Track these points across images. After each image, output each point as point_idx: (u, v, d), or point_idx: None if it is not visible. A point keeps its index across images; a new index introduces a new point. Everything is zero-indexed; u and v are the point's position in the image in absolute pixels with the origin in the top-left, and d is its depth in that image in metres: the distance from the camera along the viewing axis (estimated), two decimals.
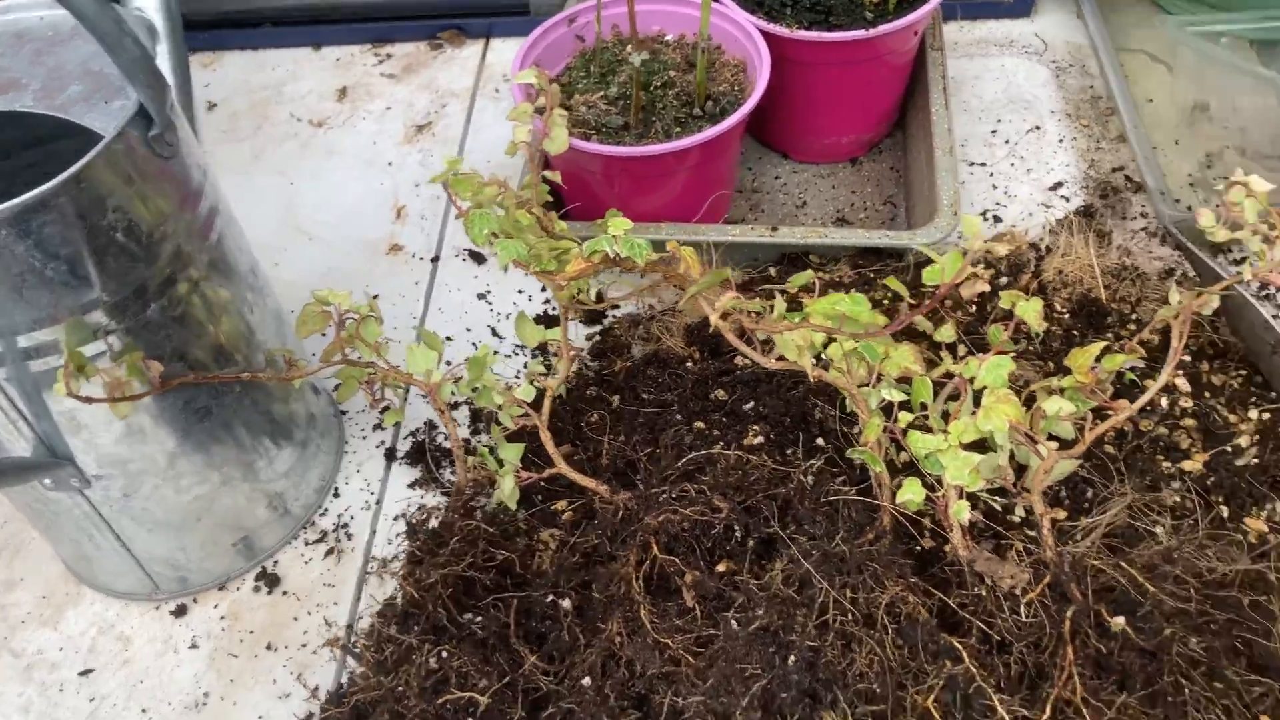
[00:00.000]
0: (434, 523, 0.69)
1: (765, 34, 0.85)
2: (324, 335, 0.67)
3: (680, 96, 0.84)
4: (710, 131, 0.78)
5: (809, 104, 0.91)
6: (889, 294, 0.82)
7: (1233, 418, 0.71)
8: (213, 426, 0.68)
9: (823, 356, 0.64)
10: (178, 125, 0.59)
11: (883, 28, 0.83)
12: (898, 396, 0.63)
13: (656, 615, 0.61)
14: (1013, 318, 0.62)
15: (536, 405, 0.70)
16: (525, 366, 0.83)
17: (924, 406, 0.65)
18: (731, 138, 0.82)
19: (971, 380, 0.60)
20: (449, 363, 0.84)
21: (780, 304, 0.63)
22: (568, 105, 0.84)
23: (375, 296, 0.89)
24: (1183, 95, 0.94)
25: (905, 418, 0.62)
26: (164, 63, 0.77)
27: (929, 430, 0.61)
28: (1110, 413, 0.65)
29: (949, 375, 0.65)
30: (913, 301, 0.72)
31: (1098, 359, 0.68)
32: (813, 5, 0.86)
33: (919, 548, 0.66)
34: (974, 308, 0.81)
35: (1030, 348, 0.78)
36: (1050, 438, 0.68)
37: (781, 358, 0.64)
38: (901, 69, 0.93)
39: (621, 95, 0.84)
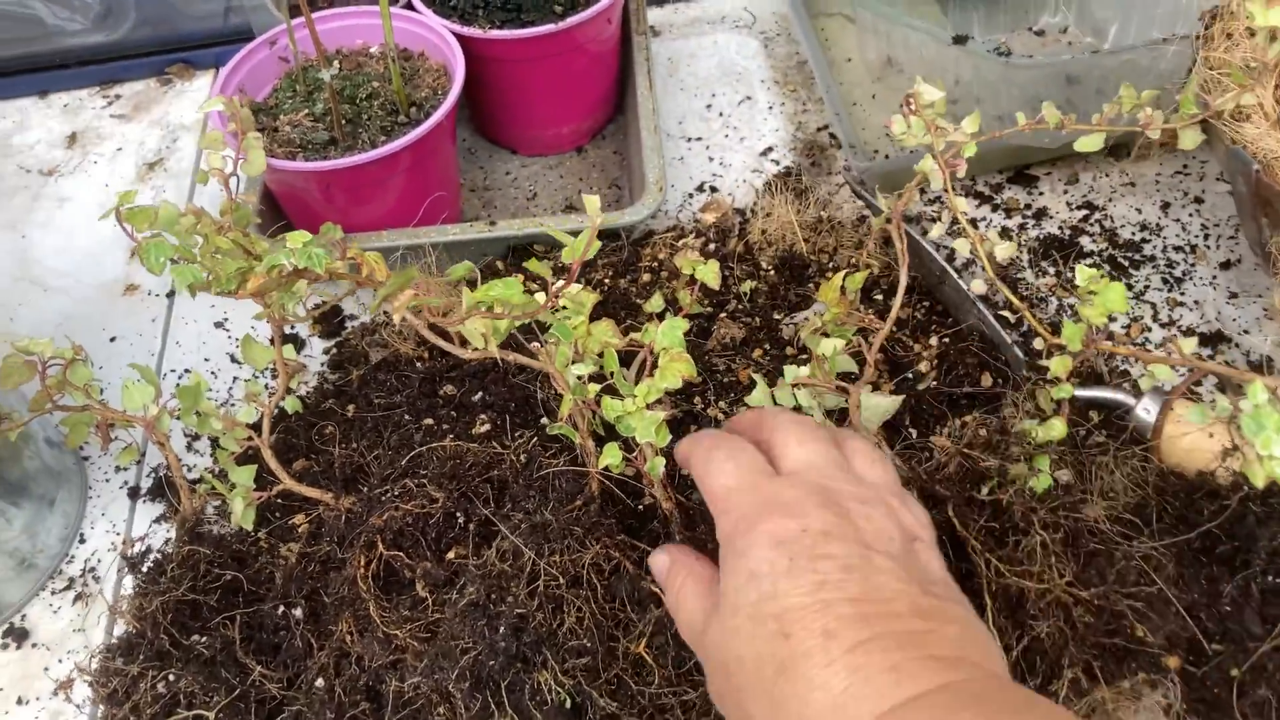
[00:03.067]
0: (156, 554, 0.69)
1: (462, 37, 0.87)
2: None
3: (385, 106, 0.86)
4: (411, 136, 0.80)
5: (521, 99, 0.94)
6: (608, 274, 0.86)
7: (916, 346, 0.77)
8: None
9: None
10: None
11: (571, 20, 0.87)
12: (589, 369, 0.67)
13: (387, 609, 0.63)
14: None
15: (259, 425, 0.71)
16: (266, 388, 0.84)
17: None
18: (437, 139, 0.84)
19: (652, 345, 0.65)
20: None
21: (468, 296, 0.66)
22: (275, 127, 0.85)
23: (113, 339, 0.90)
24: (872, 51, 1.00)
25: (594, 388, 0.65)
26: None
27: (619, 396, 0.65)
28: (875, 329, 0.69)
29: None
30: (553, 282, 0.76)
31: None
32: (504, 4, 0.89)
33: (639, 507, 0.70)
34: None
35: (740, 306, 0.82)
36: (841, 376, 0.72)
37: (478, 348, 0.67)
38: (605, 56, 0.96)
39: (327, 111, 0.85)
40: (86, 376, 0.70)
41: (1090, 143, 0.71)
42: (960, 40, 0.85)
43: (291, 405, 0.81)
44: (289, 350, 0.81)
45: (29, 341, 0.68)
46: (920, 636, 0.43)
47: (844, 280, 0.69)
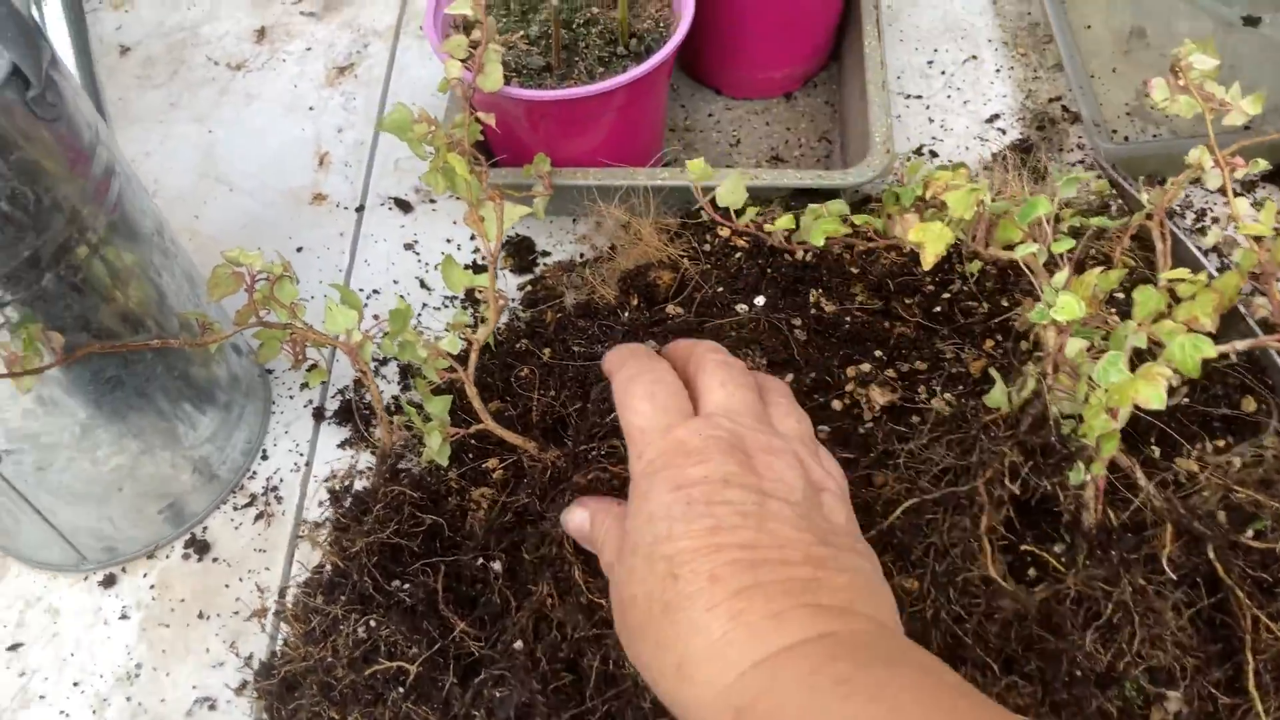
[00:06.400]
0: (359, 486, 0.67)
1: None
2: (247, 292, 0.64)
3: (604, 34, 0.81)
4: (634, 72, 0.75)
5: (740, 37, 0.89)
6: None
7: None
8: (126, 395, 0.65)
9: None
10: (60, 83, 0.56)
11: None
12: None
13: (589, 575, 0.60)
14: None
15: (462, 358, 0.68)
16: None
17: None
18: (658, 77, 0.79)
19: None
20: (376, 317, 0.82)
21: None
22: None
23: (300, 249, 0.87)
24: (1119, 21, 0.92)
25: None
26: (55, 11, 0.73)
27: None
28: None
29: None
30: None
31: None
32: None
33: None
34: (908, 248, 0.79)
35: (965, 289, 0.77)
36: None
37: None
38: None
39: (543, 35, 0.81)
40: (293, 295, 0.68)
41: None
42: (1252, 21, 0.76)
43: (453, 345, 0.77)
44: (484, 280, 0.78)
45: (238, 252, 0.66)
46: (807, 584, 0.43)
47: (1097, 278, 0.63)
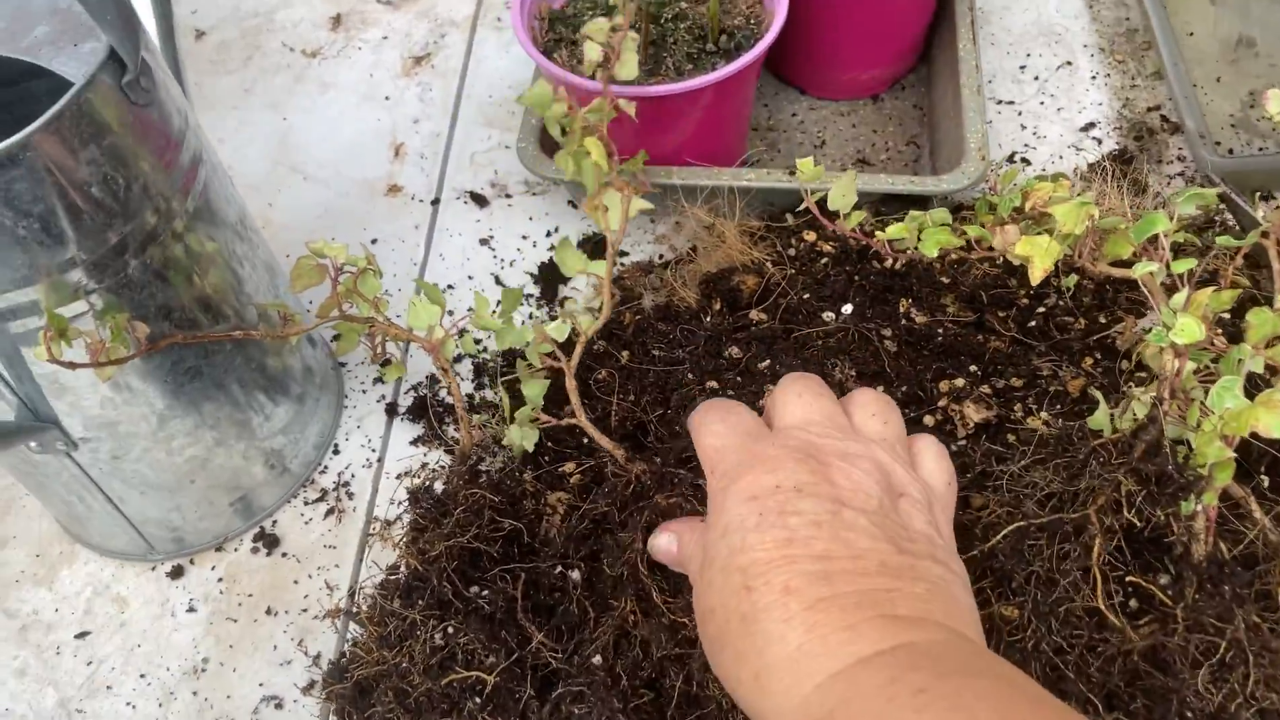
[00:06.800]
0: (437, 486, 0.66)
1: None
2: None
3: (692, 30, 0.79)
4: (724, 70, 0.73)
5: (830, 36, 0.86)
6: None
7: (1275, 381, 0.68)
8: (204, 386, 0.64)
9: None
10: (154, 69, 0.55)
11: None
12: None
13: (669, 595, 0.58)
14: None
15: (566, 348, 0.65)
16: (530, 317, 0.80)
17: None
18: (747, 76, 0.77)
19: None
20: (450, 313, 0.80)
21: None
22: (573, 39, 0.79)
23: (374, 241, 0.86)
24: (1226, 28, 0.88)
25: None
26: None
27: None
28: None
29: None
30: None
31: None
32: None
33: None
34: (1001, 259, 0.76)
35: (1061, 303, 0.74)
36: None
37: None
38: None
39: (630, 28, 0.79)
40: (376, 289, 0.66)
41: None
42: None
43: (560, 332, 0.75)
44: (601, 266, 0.73)
45: (322, 244, 0.65)
46: (883, 595, 0.43)
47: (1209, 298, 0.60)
